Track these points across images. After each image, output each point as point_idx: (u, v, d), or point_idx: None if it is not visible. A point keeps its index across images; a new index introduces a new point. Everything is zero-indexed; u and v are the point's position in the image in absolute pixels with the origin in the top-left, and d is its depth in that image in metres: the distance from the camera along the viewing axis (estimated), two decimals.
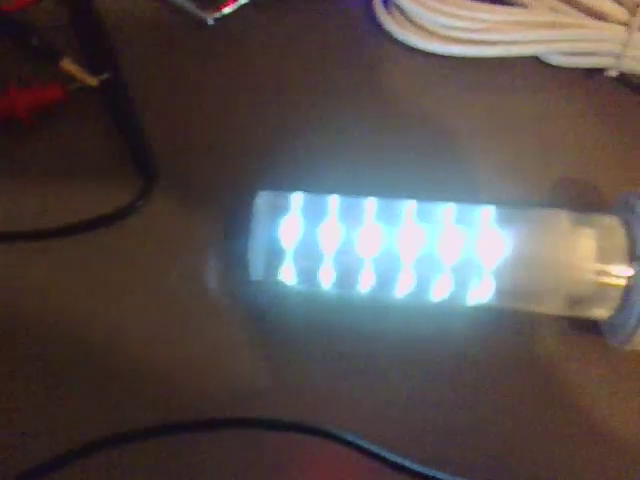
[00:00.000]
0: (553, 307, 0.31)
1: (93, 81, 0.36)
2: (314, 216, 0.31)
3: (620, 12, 0.35)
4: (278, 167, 0.35)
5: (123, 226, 0.35)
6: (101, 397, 0.32)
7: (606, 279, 0.30)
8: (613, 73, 0.35)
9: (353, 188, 0.33)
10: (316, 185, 0.34)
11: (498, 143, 0.36)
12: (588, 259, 0.30)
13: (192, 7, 0.37)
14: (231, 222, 0.34)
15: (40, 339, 0.33)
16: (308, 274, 0.31)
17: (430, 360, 0.33)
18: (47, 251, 0.34)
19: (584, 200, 0.35)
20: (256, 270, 0.31)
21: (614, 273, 0.30)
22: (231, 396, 0.33)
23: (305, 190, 0.33)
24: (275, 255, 0.31)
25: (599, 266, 0.30)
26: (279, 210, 0.31)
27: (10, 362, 0.33)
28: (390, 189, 0.34)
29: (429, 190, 0.35)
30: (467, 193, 0.35)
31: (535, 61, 0.37)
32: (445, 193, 0.34)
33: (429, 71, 0.37)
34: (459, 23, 0.35)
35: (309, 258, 0.31)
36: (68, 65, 0.35)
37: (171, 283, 0.34)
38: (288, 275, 0.31)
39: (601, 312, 0.31)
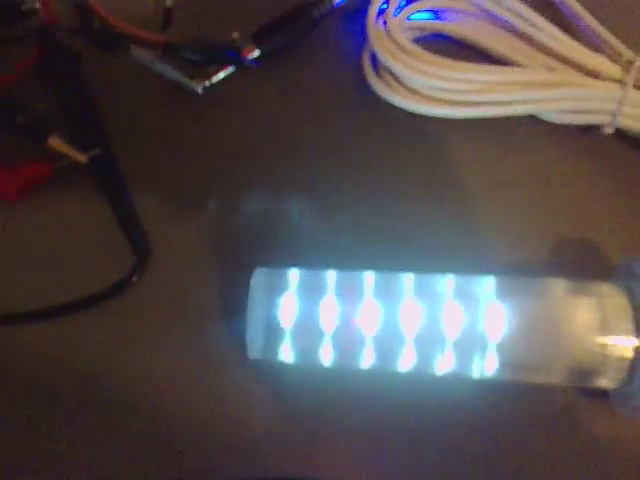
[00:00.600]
0: (558, 378, 0.30)
1: (82, 158, 0.35)
2: (312, 293, 0.31)
3: (614, 69, 0.35)
4: (274, 240, 0.35)
5: (117, 303, 0.34)
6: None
7: (611, 350, 0.29)
8: (609, 131, 0.35)
9: (349, 256, 0.33)
10: (312, 255, 0.34)
11: (495, 204, 0.35)
12: (592, 330, 0.29)
13: (181, 77, 0.37)
14: (228, 298, 0.34)
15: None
16: (307, 353, 0.31)
17: (436, 429, 0.32)
18: (39, 332, 0.34)
19: (584, 262, 0.34)
20: (254, 349, 0.31)
21: (619, 344, 0.29)
22: (233, 459, 0.32)
23: (302, 261, 0.32)
24: (273, 334, 0.30)
25: (603, 337, 0.29)
26: (276, 288, 0.31)
27: None
28: (386, 256, 0.34)
29: (426, 256, 0.34)
30: (464, 257, 0.35)
31: (530, 118, 0.37)
32: (441, 257, 0.34)
33: (422, 132, 0.37)
34: (452, 85, 0.35)
35: (308, 337, 0.30)
36: (56, 143, 0.35)
37: (168, 360, 0.33)
38: (287, 354, 0.31)
39: (608, 382, 0.30)
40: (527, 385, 0.31)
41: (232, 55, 0.36)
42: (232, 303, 0.33)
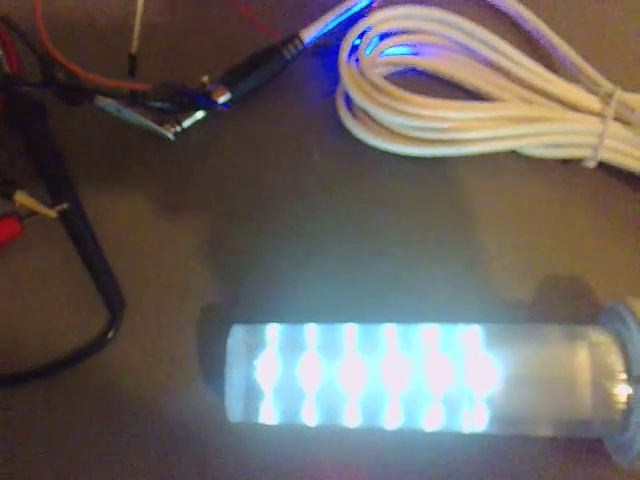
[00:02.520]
0: (551, 430, 0.29)
1: (51, 213, 0.34)
2: (292, 350, 0.30)
3: (593, 102, 0.34)
4: (250, 295, 0.34)
5: (91, 360, 0.33)
6: None
7: (603, 399, 0.28)
8: (591, 164, 0.34)
9: (327, 305, 0.32)
10: (291, 306, 0.33)
11: (477, 244, 0.35)
12: (583, 379, 0.28)
13: (152, 124, 0.35)
14: (206, 356, 0.33)
15: None
16: (290, 414, 0.30)
17: None
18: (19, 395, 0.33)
19: (570, 300, 0.34)
20: (234, 413, 0.29)
21: (612, 392, 0.28)
22: None
23: (280, 314, 0.31)
24: (253, 396, 0.29)
25: (595, 386, 0.28)
26: (254, 347, 0.30)
27: None
28: (367, 305, 0.33)
29: (405, 302, 0.33)
30: (444, 301, 0.34)
31: (511, 153, 0.36)
32: (424, 303, 0.33)
33: (399, 171, 0.36)
34: (428, 124, 0.34)
35: (290, 397, 0.29)
36: (23, 199, 0.34)
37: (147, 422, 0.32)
38: (268, 416, 0.29)
39: (602, 432, 0.29)
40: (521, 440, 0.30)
41: (202, 100, 0.35)
42: (211, 362, 0.32)
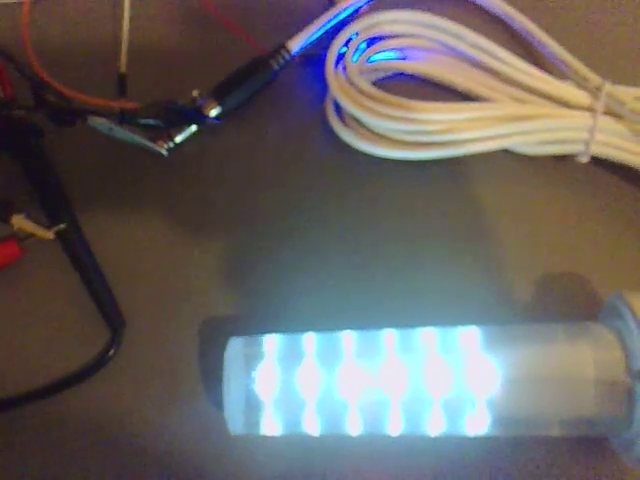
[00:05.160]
0: (556, 429, 0.29)
1: (48, 234, 0.34)
2: (291, 360, 0.30)
3: (583, 97, 0.34)
4: (250, 306, 0.34)
5: (93, 378, 0.33)
6: None
7: (607, 396, 0.28)
8: (584, 159, 0.34)
9: (325, 312, 0.32)
10: (288, 316, 0.33)
11: (475, 244, 0.34)
12: (586, 377, 0.28)
13: (144, 141, 0.36)
14: (206, 370, 0.33)
15: None
16: (291, 424, 0.29)
17: None
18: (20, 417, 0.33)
19: (570, 296, 0.33)
20: (235, 426, 0.29)
21: (615, 389, 0.28)
22: None
23: (279, 325, 0.31)
24: (253, 408, 0.29)
25: (598, 383, 0.28)
26: (252, 359, 0.30)
27: None
28: (366, 309, 0.33)
29: (405, 305, 0.33)
30: (445, 302, 0.34)
31: (504, 152, 0.35)
32: (422, 306, 0.33)
33: (393, 176, 0.36)
34: (418, 127, 0.34)
35: (290, 408, 0.29)
36: (20, 222, 0.34)
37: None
38: (270, 427, 0.29)
39: (608, 429, 0.29)
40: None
41: (193, 115, 0.36)
42: (211, 376, 0.32)
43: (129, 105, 0.35)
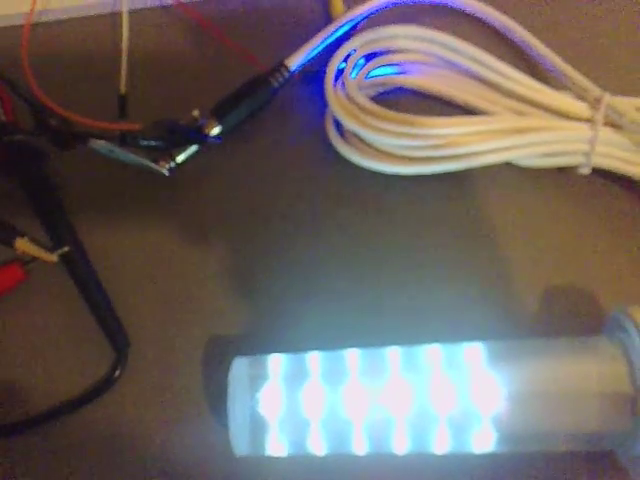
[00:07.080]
0: (561, 444, 0.29)
1: (52, 257, 0.34)
2: (295, 380, 0.30)
3: (582, 108, 0.34)
4: (255, 325, 0.34)
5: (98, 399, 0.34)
6: None
7: (612, 410, 0.28)
8: (585, 171, 0.34)
9: (332, 333, 0.32)
10: (294, 335, 0.33)
11: (477, 259, 0.34)
12: (590, 391, 0.28)
13: (145, 162, 0.36)
14: (211, 390, 0.33)
15: None
16: (296, 444, 0.29)
17: None
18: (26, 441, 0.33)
19: (574, 309, 0.33)
20: (240, 447, 0.29)
21: (620, 402, 0.28)
22: None
23: (284, 344, 0.31)
24: (258, 429, 0.29)
25: (603, 397, 0.28)
26: (257, 379, 0.30)
27: None
28: (369, 324, 0.33)
29: (410, 321, 0.33)
30: (447, 318, 0.34)
31: (506, 165, 0.35)
32: (426, 321, 0.33)
33: (394, 192, 0.36)
34: (418, 142, 0.34)
35: (295, 428, 0.29)
36: (23, 245, 0.34)
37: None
38: (275, 448, 0.29)
39: (614, 444, 0.28)
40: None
41: (194, 135, 0.36)
42: (216, 396, 0.32)
43: (130, 127, 0.35)
